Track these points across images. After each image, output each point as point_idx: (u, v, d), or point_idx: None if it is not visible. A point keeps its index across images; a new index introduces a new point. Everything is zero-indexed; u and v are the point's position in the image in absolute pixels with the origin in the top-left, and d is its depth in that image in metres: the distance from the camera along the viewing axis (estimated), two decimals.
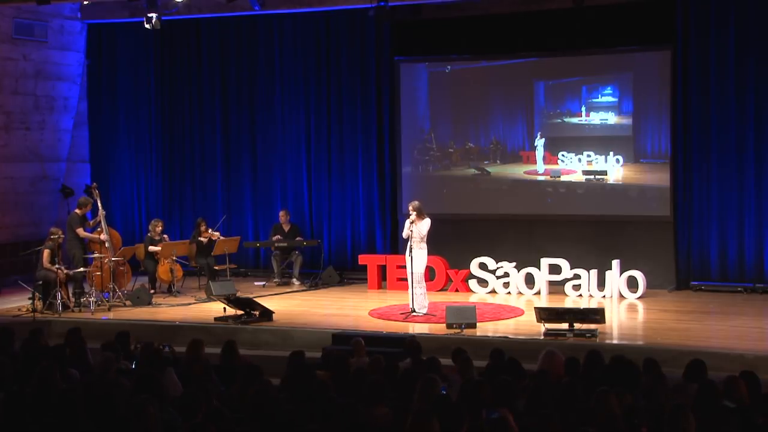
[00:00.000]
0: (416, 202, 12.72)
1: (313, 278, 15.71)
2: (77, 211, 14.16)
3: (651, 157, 14.66)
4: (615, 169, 14.82)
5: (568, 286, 14.24)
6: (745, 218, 14.09)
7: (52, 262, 13.49)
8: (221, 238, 15.46)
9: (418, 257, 12.55)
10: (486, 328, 11.82)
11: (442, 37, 15.63)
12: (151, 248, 14.89)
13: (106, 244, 14.15)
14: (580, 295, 14.09)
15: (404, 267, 13.14)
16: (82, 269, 13.73)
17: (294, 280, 15.68)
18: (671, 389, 7.04)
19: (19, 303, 13.93)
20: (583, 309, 11.86)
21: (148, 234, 15.24)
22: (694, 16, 14.14)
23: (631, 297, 13.77)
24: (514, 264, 14.60)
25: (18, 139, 16.28)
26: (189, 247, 15.40)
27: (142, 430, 5.73)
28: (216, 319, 12.59)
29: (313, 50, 16.44)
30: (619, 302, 13.71)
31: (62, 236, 13.65)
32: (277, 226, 15.96)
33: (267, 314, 12.52)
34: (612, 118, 14.91)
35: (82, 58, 17.31)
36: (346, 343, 10.18)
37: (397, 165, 16.07)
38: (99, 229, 14.31)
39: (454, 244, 15.12)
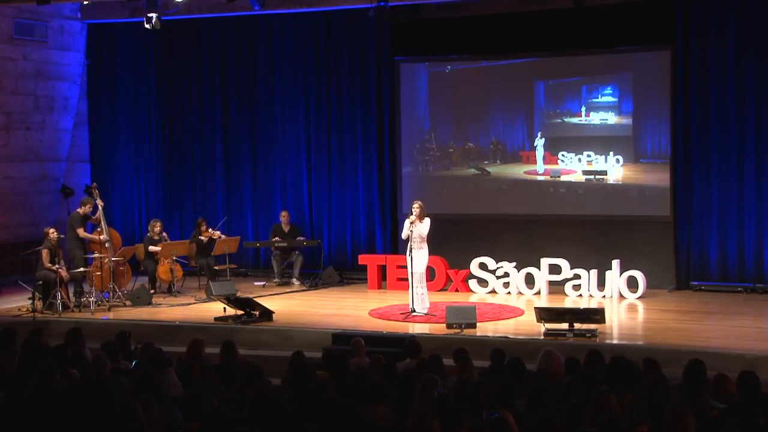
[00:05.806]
0: (420, 202, 12.72)
1: (313, 278, 15.70)
2: (78, 210, 14.15)
3: (651, 157, 14.66)
4: (615, 169, 14.82)
5: (568, 286, 14.24)
6: (745, 218, 14.08)
7: (53, 262, 13.48)
8: (222, 237, 15.47)
9: (419, 257, 12.56)
10: (486, 328, 11.82)
11: (442, 37, 15.63)
12: (151, 248, 14.89)
13: (106, 244, 14.14)
14: (580, 295, 14.08)
15: (404, 267, 13.14)
16: (82, 269, 13.73)
17: (294, 280, 15.67)
18: (671, 389, 7.04)
19: (19, 303, 13.91)
20: (583, 309, 11.85)
21: (148, 234, 15.23)
22: (694, 16, 14.14)
23: (631, 297, 13.76)
24: (514, 264, 14.59)
25: (18, 139, 16.28)
26: (189, 247, 15.40)
27: (134, 430, 5.74)
28: (216, 319, 12.59)
29: (313, 50, 16.43)
30: (619, 302, 13.71)
31: (57, 234, 13.60)
32: (277, 226, 15.95)
33: (267, 314, 12.51)
34: (612, 118, 14.91)
35: (82, 58, 17.30)
36: (346, 343, 10.17)
37: (397, 165, 16.07)
38: (99, 229, 14.30)
39: (454, 244, 15.12)
